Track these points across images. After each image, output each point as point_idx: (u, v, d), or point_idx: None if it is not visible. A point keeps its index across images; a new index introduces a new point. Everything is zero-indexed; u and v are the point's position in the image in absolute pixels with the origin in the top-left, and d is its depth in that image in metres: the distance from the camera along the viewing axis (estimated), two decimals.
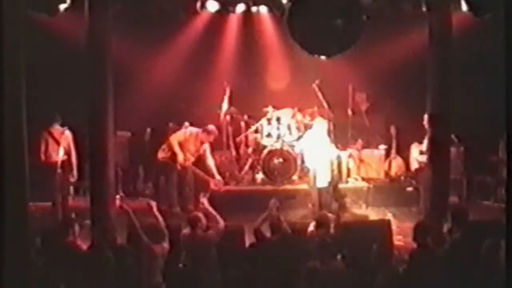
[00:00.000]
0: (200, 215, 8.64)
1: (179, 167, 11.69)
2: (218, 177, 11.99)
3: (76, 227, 8.49)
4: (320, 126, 11.60)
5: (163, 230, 8.19)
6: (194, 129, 11.84)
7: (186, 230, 8.67)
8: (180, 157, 11.64)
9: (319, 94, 12.83)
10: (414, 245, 7.84)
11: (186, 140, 11.74)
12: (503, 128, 6.89)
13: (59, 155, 11.72)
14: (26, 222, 8.10)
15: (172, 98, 12.83)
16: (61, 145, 11.77)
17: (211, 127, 11.84)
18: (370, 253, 7.79)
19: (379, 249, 7.96)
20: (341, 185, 12.47)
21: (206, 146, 11.86)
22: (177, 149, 11.66)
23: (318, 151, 11.40)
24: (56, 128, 11.64)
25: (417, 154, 11.88)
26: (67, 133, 11.70)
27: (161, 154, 11.90)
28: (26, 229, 8.04)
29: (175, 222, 9.89)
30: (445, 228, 8.45)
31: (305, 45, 9.25)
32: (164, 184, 12.23)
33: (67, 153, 11.55)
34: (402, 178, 12.95)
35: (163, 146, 11.86)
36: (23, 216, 8.07)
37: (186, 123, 11.92)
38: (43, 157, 11.55)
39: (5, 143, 7.59)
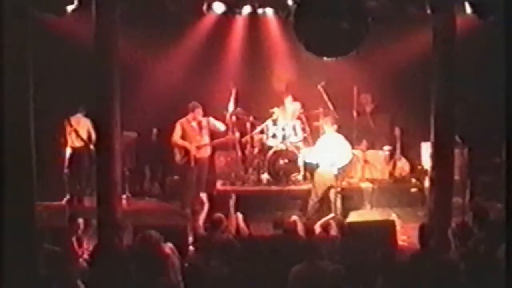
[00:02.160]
0: (223, 217, 8.73)
1: (193, 162, 11.81)
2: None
3: (81, 226, 8.59)
4: (328, 127, 11.57)
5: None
6: (182, 119, 11.98)
7: (202, 231, 8.83)
8: (191, 147, 11.80)
9: (325, 95, 12.89)
10: (418, 246, 7.94)
11: (184, 131, 11.91)
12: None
13: (67, 154, 11.91)
14: (33, 221, 8.17)
15: (179, 99, 12.86)
16: (68, 144, 11.99)
17: (192, 104, 11.97)
18: (375, 253, 7.85)
19: (383, 250, 8.03)
20: (345, 185, 12.59)
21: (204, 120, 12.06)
22: (183, 143, 11.84)
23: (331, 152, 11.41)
24: (76, 117, 11.94)
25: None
26: (84, 120, 11.94)
27: (178, 159, 12.00)
28: (33, 229, 8.11)
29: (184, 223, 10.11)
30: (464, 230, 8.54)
31: (310, 47, 9.31)
32: (177, 185, 12.38)
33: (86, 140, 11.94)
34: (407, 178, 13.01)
35: (175, 151, 11.96)
36: (30, 215, 8.14)
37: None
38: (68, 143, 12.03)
39: (13, 143, 7.67)
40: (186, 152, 11.88)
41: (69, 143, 12.12)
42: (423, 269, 7.44)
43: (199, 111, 11.93)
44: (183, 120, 11.93)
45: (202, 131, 12.02)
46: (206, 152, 12.19)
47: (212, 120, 12.17)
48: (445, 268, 7.48)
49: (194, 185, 11.97)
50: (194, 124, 11.95)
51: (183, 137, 11.90)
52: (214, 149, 12.64)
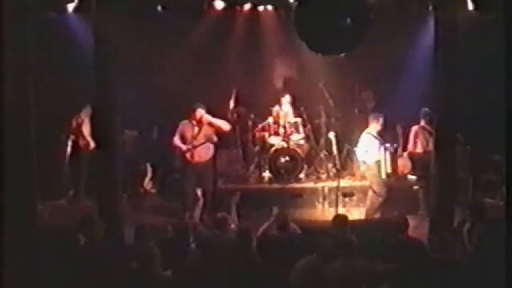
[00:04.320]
0: (227, 216, 8.74)
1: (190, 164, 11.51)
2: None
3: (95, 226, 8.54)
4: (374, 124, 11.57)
5: None
6: (185, 120, 11.65)
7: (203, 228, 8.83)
8: (184, 148, 11.45)
9: (326, 93, 12.87)
10: (420, 243, 7.96)
11: (182, 132, 11.54)
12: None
13: (67, 151, 11.92)
14: (33, 220, 8.18)
15: (179, 97, 12.82)
16: (70, 142, 12.01)
17: (194, 104, 11.52)
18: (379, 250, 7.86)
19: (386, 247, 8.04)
20: (348, 183, 12.60)
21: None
22: (179, 144, 11.48)
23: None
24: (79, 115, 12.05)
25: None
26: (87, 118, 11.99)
27: (176, 160, 11.87)
28: (34, 228, 8.12)
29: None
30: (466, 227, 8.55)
31: (311, 44, 9.28)
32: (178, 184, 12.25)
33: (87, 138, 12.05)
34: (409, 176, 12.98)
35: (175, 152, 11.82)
36: (31, 215, 8.15)
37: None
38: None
39: (13, 142, 7.67)
40: (182, 153, 11.57)
41: (71, 141, 12.11)
42: (424, 265, 7.44)
43: (200, 112, 11.49)
44: (185, 121, 11.62)
45: (200, 134, 11.53)
46: (208, 154, 11.66)
47: (214, 120, 11.68)
48: (446, 264, 7.49)
49: (194, 188, 11.57)
50: (195, 125, 11.59)
51: (182, 138, 11.58)
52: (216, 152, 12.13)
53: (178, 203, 11.87)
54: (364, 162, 11.47)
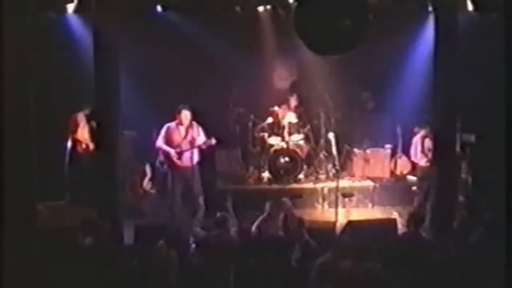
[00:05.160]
0: (227, 215, 8.73)
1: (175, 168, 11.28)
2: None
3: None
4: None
5: None
6: (171, 122, 11.39)
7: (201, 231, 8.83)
8: (171, 152, 11.18)
9: (325, 93, 12.87)
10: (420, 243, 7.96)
11: (169, 137, 11.28)
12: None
13: (68, 146, 11.94)
14: (33, 221, 8.17)
15: (179, 97, 12.77)
16: (69, 143, 11.99)
17: (180, 106, 11.25)
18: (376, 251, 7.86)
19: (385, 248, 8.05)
20: (347, 184, 12.61)
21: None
22: (166, 148, 11.25)
23: None
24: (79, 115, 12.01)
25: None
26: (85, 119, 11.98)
27: (157, 164, 11.73)
28: (34, 228, 8.11)
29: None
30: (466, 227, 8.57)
31: (311, 45, 9.28)
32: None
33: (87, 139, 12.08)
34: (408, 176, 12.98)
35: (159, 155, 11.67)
36: (31, 215, 8.14)
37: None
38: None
39: (13, 143, 7.66)
40: (168, 157, 11.27)
41: (70, 141, 12.12)
42: (425, 265, 7.45)
43: (186, 115, 11.20)
44: (172, 123, 11.34)
45: (187, 138, 11.27)
46: (193, 159, 11.32)
47: (201, 132, 11.34)
48: (446, 264, 7.50)
49: (181, 194, 11.32)
50: (182, 128, 11.30)
51: (168, 141, 11.28)
52: (202, 157, 11.66)
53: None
54: (420, 162, 11.73)
